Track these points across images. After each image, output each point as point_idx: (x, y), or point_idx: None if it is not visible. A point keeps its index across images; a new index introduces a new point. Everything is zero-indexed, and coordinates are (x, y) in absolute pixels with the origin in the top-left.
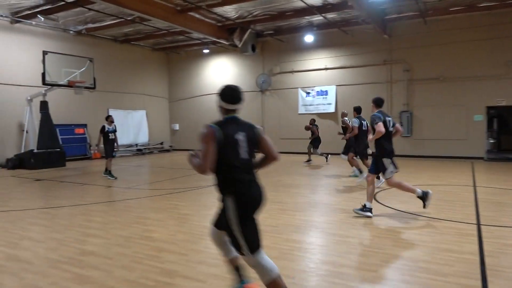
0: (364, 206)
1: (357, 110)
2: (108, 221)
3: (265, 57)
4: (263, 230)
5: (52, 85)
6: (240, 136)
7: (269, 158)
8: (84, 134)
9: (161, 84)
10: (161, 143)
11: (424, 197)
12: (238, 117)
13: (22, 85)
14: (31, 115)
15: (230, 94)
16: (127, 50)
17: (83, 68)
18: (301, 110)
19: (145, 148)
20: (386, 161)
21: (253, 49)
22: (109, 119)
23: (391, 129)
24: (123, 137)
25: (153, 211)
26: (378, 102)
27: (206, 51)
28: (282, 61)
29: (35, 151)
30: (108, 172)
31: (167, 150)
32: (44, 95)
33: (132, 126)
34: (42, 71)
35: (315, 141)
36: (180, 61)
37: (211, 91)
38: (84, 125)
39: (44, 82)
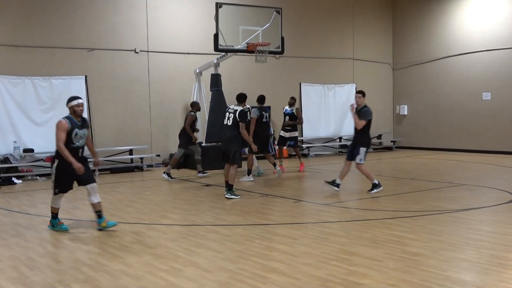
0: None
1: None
2: (296, 252)
3: None
4: None
5: (227, 50)
6: None
7: None
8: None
9: (381, 41)
10: (379, 137)
11: (377, 185)
12: None
13: (189, 52)
14: (200, 94)
15: None
16: None
17: (267, 24)
18: None
19: None
20: (363, 149)
21: None
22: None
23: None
24: (320, 127)
25: (363, 244)
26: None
27: None
28: None
29: (204, 144)
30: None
31: (388, 148)
32: (217, 65)
33: (334, 109)
34: (214, 32)
35: None
36: (413, 2)
37: (466, 48)
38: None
39: (217, 48)
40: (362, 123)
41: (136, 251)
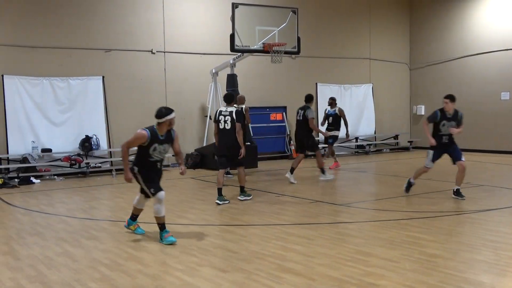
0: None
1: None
2: (312, 252)
3: None
4: None
5: (243, 51)
6: None
7: None
8: (282, 121)
9: (398, 41)
10: (396, 137)
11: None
12: None
13: (205, 53)
14: (216, 95)
15: None
16: None
17: (284, 24)
18: None
19: (369, 144)
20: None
21: None
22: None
23: None
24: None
25: (379, 245)
26: None
27: None
28: None
29: None
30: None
31: (405, 148)
32: (233, 66)
33: (350, 109)
34: (230, 32)
35: None
36: (430, 2)
37: (485, 48)
38: (283, 108)
39: (233, 48)
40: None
41: (152, 250)
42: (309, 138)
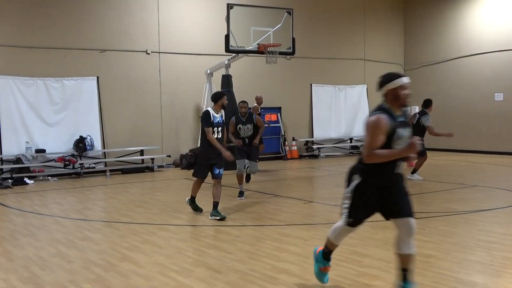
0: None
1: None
2: (307, 253)
3: None
4: None
5: (238, 51)
6: None
7: None
8: (277, 122)
9: (392, 41)
10: None
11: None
12: None
13: (200, 53)
14: (211, 95)
15: None
16: None
17: (278, 25)
18: None
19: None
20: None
21: None
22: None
23: None
24: (330, 127)
25: (375, 245)
26: None
27: None
28: None
29: None
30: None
31: None
32: (228, 66)
33: (345, 110)
34: (225, 33)
35: None
36: (424, 3)
37: (478, 49)
38: (278, 109)
39: (228, 49)
40: None
41: (147, 251)
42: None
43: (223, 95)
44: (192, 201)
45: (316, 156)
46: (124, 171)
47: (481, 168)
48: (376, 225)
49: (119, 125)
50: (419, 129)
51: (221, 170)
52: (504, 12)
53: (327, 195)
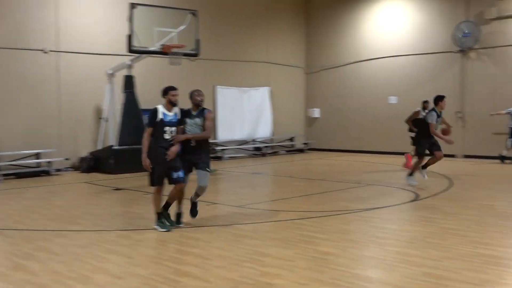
0: None
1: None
2: (209, 255)
3: None
4: None
5: (141, 52)
6: None
7: None
8: None
9: (295, 45)
10: (291, 139)
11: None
12: None
13: (101, 53)
14: (113, 96)
15: None
16: None
17: (183, 27)
18: None
19: (266, 147)
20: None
21: None
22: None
23: None
24: (234, 129)
25: (275, 245)
26: None
27: None
28: None
29: (115, 147)
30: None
31: (300, 150)
32: (130, 67)
33: (248, 111)
34: (128, 33)
35: None
36: (325, 8)
37: (375, 54)
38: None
39: (130, 49)
40: None
41: (42, 259)
42: (419, 140)
43: (171, 89)
44: (164, 217)
45: (219, 158)
46: (19, 175)
47: (376, 168)
48: (277, 225)
49: (13, 127)
50: (423, 126)
51: (179, 173)
52: (398, 19)
53: (229, 196)
